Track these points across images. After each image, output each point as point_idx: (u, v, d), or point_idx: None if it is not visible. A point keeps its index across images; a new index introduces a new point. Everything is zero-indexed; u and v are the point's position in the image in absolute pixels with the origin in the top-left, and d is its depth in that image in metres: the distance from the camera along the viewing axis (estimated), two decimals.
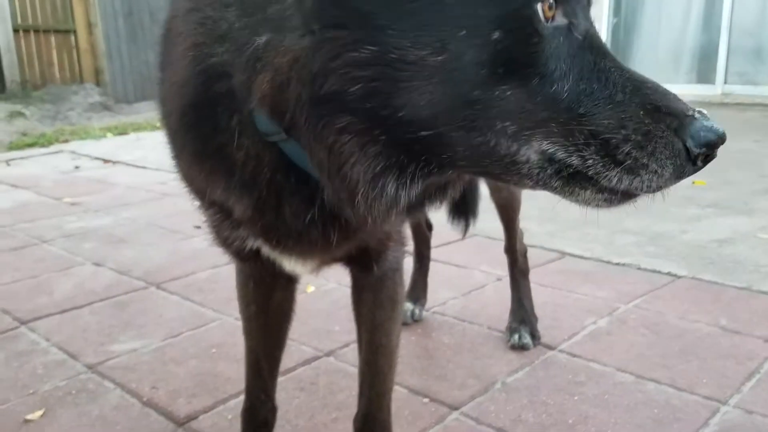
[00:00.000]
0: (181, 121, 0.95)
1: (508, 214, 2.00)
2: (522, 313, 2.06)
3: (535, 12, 0.75)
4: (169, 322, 2.33)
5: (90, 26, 9.60)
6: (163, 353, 2.11)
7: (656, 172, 0.77)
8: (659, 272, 2.63)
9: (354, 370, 1.95)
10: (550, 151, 0.78)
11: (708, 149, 0.78)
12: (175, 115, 0.95)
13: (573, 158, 0.77)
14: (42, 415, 1.77)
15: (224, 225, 1.10)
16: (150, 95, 10.51)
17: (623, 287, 2.48)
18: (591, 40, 0.81)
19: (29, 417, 1.76)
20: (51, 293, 2.59)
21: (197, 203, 1.15)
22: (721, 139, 0.79)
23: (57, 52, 9.46)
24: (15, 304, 2.48)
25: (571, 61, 0.78)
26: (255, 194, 0.93)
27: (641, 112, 0.77)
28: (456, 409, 1.73)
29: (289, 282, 1.35)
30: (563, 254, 2.87)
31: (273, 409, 1.44)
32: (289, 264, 1.12)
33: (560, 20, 0.78)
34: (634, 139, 0.77)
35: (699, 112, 0.80)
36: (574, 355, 1.98)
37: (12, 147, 6.25)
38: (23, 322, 2.34)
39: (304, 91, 0.78)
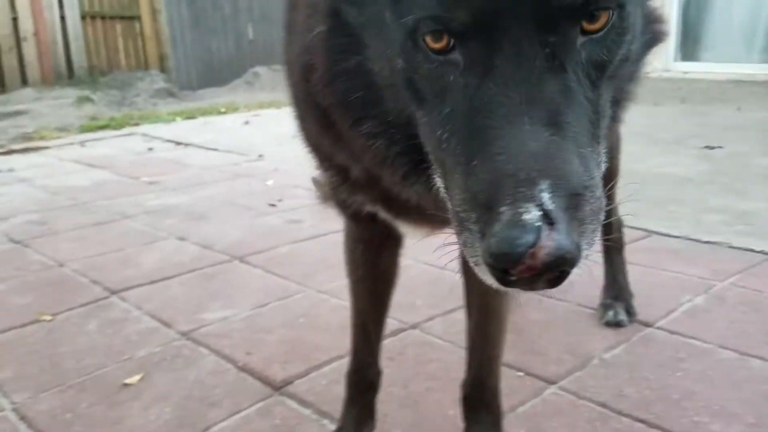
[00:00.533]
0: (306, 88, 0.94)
1: (607, 183, 1.92)
2: (616, 289, 2.01)
3: (419, 41, 0.68)
4: (255, 293, 2.36)
5: (154, 13, 9.81)
6: (253, 322, 2.14)
7: (476, 265, 0.63)
8: (752, 251, 2.52)
9: (441, 343, 1.94)
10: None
11: (495, 264, 0.57)
12: (301, 82, 0.96)
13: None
14: (140, 380, 1.82)
15: (343, 188, 1.11)
16: (212, 82, 10.71)
17: (716, 265, 2.39)
18: (490, 90, 0.64)
19: (128, 381, 1.81)
20: (138, 265, 2.66)
21: (317, 164, 1.16)
22: (510, 258, 0.56)
23: (122, 38, 9.70)
24: (104, 275, 2.56)
25: (451, 103, 0.67)
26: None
27: (465, 194, 0.62)
28: (553, 383, 1.70)
29: (396, 246, 1.34)
30: (649, 233, 2.78)
31: (378, 372, 1.44)
32: (404, 228, 1.12)
33: (455, 57, 0.67)
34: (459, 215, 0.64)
35: (518, 205, 0.56)
36: (673, 332, 1.92)
37: (84, 129, 6.45)
38: (113, 292, 2.41)
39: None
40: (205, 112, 7.38)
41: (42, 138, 5.99)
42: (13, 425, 1.62)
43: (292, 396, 1.71)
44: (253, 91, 10.20)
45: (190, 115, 7.14)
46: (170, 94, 9.76)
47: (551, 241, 0.55)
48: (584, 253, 0.60)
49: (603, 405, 1.59)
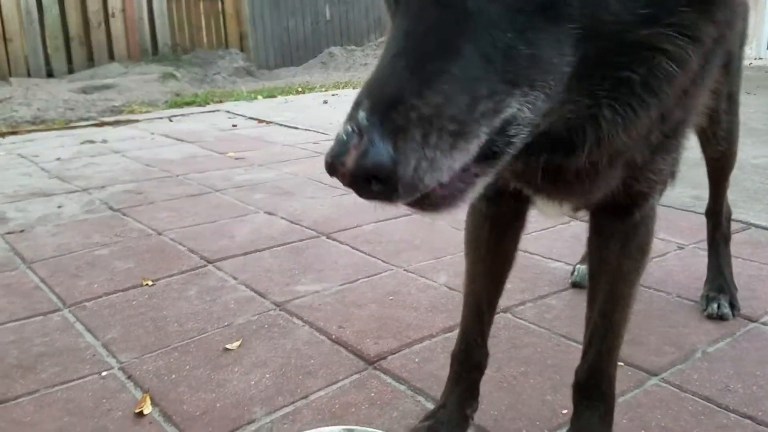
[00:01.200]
0: None
1: (722, 171, 1.86)
2: (721, 282, 1.94)
3: None
4: (344, 268, 2.40)
5: None
6: (344, 296, 2.18)
7: None
8: None
9: (534, 328, 1.93)
10: None
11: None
12: None
13: None
14: (239, 346, 1.88)
15: None
16: (289, 61, 10.87)
17: None
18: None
19: (228, 346, 1.88)
20: (232, 237, 2.75)
21: None
22: (327, 167, 0.59)
23: (204, 17, 9.93)
24: (200, 245, 2.65)
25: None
26: None
27: None
28: (655, 375, 1.66)
29: (520, 229, 1.33)
30: (748, 225, 2.67)
31: (486, 354, 1.44)
32: (545, 206, 1.11)
33: None
34: None
35: (352, 117, 0.59)
36: None
37: (170, 105, 6.67)
38: (210, 261, 2.49)
39: None
40: (283, 91, 7.49)
41: (131, 111, 6.23)
42: (121, 383, 1.71)
43: (386, 371, 1.73)
44: (327, 71, 10.28)
45: (269, 94, 7.28)
46: (248, 72, 9.97)
47: (354, 150, 0.57)
48: (401, 157, 0.57)
49: (707, 399, 1.55)
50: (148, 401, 1.62)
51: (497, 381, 1.65)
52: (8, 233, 2.84)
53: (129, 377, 1.74)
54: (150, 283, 2.31)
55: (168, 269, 2.42)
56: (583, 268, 2.15)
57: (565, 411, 1.51)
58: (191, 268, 2.44)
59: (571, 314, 1.97)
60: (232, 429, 1.52)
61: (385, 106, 0.59)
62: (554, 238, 2.61)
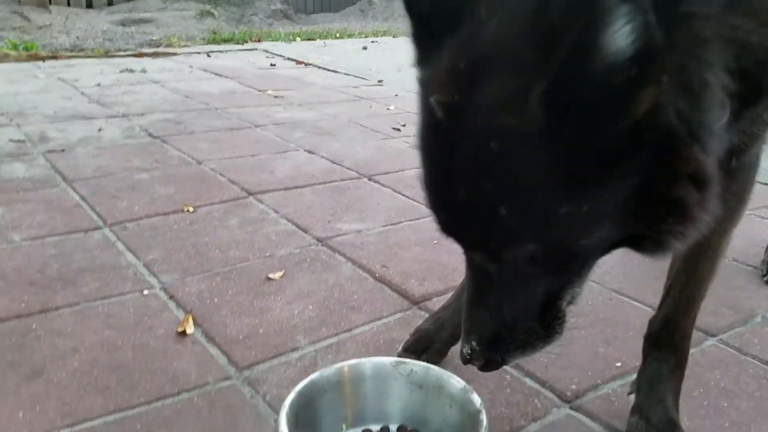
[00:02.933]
0: None
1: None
2: None
3: None
4: (387, 210, 2.35)
5: None
6: (387, 237, 2.13)
7: None
8: None
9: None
10: None
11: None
12: None
13: None
14: (282, 276, 1.85)
15: None
16: (326, 7, 10.67)
17: None
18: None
19: (271, 276, 1.85)
20: (272, 172, 2.70)
21: None
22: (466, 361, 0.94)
23: None
24: (240, 177, 2.61)
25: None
26: None
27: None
28: (713, 335, 1.60)
29: None
30: None
31: None
32: None
33: None
34: None
35: (468, 342, 0.92)
36: None
37: (209, 41, 6.58)
38: (251, 193, 2.45)
39: None
40: (322, 35, 7.37)
41: (169, 45, 6.16)
42: (162, 302, 1.69)
43: (430, 312, 1.69)
44: (365, 19, 10.10)
45: (308, 36, 7.16)
46: (285, 15, 9.83)
47: (477, 362, 0.93)
48: (508, 359, 0.95)
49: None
50: (191, 321, 1.59)
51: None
52: (49, 152, 2.82)
53: (171, 297, 1.71)
54: (191, 209, 2.28)
55: (209, 198, 2.39)
56: None
57: (618, 364, 1.46)
58: (232, 198, 2.41)
59: (623, 270, 1.90)
60: (275, 355, 1.49)
61: (480, 337, 0.90)
62: None
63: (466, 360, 0.91)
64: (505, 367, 1.45)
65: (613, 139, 0.63)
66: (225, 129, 3.31)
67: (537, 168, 0.66)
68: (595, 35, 0.56)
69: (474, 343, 0.89)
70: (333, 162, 2.86)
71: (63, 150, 2.85)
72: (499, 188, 0.69)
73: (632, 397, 1.27)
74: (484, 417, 1.09)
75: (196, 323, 1.60)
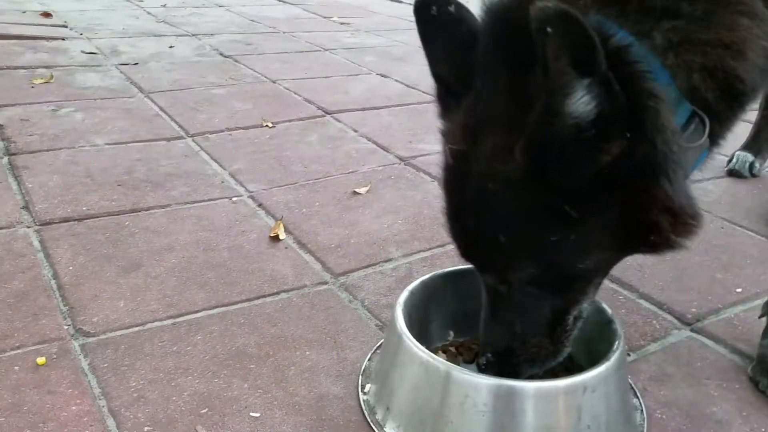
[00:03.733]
0: None
1: None
2: None
3: None
4: None
5: None
6: None
7: None
8: None
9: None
10: None
11: None
12: None
13: None
14: (368, 191, 1.79)
15: None
16: None
17: None
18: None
19: (357, 190, 1.79)
20: (347, 93, 2.62)
21: None
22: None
23: None
24: (316, 96, 2.54)
25: None
26: None
27: None
28: None
29: None
30: None
31: None
32: None
33: None
34: None
35: (484, 353, 0.97)
36: None
37: None
38: (328, 112, 2.39)
39: None
40: None
41: None
42: (252, 209, 1.65)
43: None
44: None
45: None
46: None
47: (491, 369, 0.96)
48: (520, 372, 0.95)
49: None
50: (282, 228, 1.55)
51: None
52: (122, 64, 2.79)
53: (260, 205, 1.67)
54: (270, 124, 2.22)
55: (286, 114, 2.33)
56: (742, 155, 1.95)
57: (739, 290, 1.37)
58: (309, 116, 2.34)
59: (731, 200, 1.79)
60: (369, 264, 1.44)
61: (494, 350, 0.96)
62: None
63: (482, 370, 0.97)
64: (615, 287, 1.38)
65: (585, 182, 0.74)
66: (295, 51, 3.23)
67: (524, 204, 0.80)
68: (559, 104, 0.68)
69: (489, 355, 0.96)
70: (408, 86, 2.76)
71: (136, 63, 2.82)
72: (497, 220, 0.82)
73: (763, 320, 1.18)
74: (618, 327, 1.02)
75: (287, 230, 1.55)
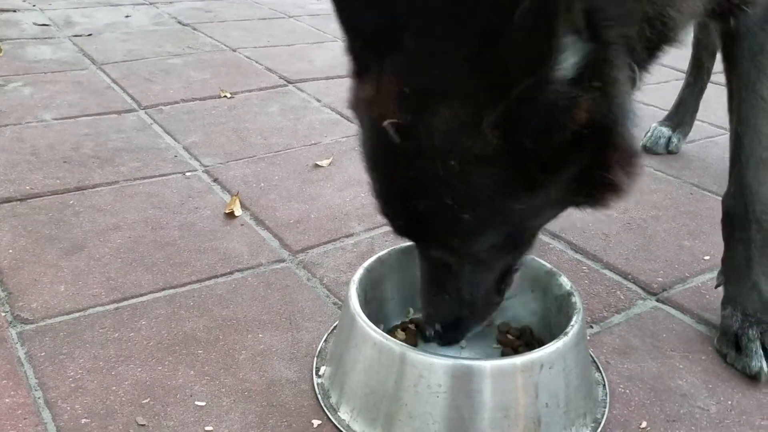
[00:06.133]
0: None
1: None
2: None
3: None
4: None
5: None
6: None
7: None
8: None
9: (661, 175, 1.71)
10: None
11: None
12: None
13: None
14: (330, 164, 1.73)
15: None
16: None
17: None
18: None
19: (319, 163, 1.72)
20: (310, 61, 2.53)
21: None
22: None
23: None
24: (278, 65, 2.45)
25: None
26: None
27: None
28: None
29: None
30: None
31: None
32: None
33: None
34: None
35: (430, 325, 0.96)
36: None
37: None
38: (290, 82, 2.30)
39: None
40: None
41: None
42: (207, 184, 1.58)
43: None
44: None
45: None
46: None
47: (439, 339, 0.97)
48: (468, 331, 0.97)
49: None
50: (238, 204, 1.48)
51: (624, 222, 1.47)
52: (75, 36, 2.67)
53: (215, 180, 1.60)
54: (229, 95, 2.14)
55: (246, 84, 2.24)
56: (658, 129, 1.82)
57: (707, 257, 1.34)
58: (271, 86, 2.26)
59: (701, 165, 1.75)
60: (329, 240, 1.39)
61: (441, 321, 0.94)
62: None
63: (428, 340, 0.96)
64: (579, 257, 1.34)
65: (558, 149, 0.70)
66: (257, 18, 3.12)
67: (493, 180, 0.73)
68: (547, 73, 0.64)
69: (437, 327, 0.93)
70: None
71: (90, 34, 2.69)
72: (461, 199, 0.75)
73: (721, 289, 1.15)
74: (578, 299, 0.98)
75: (243, 206, 1.49)
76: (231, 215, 1.45)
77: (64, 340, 1.05)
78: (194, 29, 2.86)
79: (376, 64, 0.75)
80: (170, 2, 3.31)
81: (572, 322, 0.93)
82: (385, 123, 0.73)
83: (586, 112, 0.68)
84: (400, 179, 0.77)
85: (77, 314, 1.12)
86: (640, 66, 0.78)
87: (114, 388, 0.96)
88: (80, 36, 2.66)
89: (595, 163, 0.74)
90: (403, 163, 0.75)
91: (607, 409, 0.96)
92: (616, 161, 0.74)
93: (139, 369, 1.00)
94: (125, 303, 1.15)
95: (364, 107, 0.79)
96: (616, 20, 0.71)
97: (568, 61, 0.64)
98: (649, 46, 0.78)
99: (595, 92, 0.68)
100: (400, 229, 0.86)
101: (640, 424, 0.94)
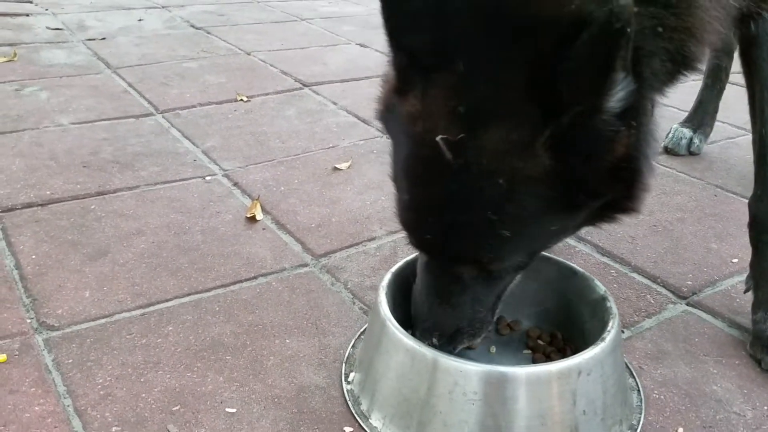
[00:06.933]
0: None
1: None
2: None
3: None
4: None
5: None
6: None
7: None
8: None
9: (685, 177, 1.69)
10: None
11: None
12: None
13: None
14: (349, 167, 1.72)
15: None
16: None
17: None
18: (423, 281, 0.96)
19: (338, 166, 1.72)
20: (325, 64, 2.53)
21: None
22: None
23: None
24: (293, 68, 2.44)
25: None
26: None
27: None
28: None
29: None
30: None
31: None
32: None
33: None
34: None
35: (426, 337, 0.93)
36: None
37: None
38: (306, 85, 2.29)
39: None
40: None
41: None
42: (226, 188, 1.57)
43: None
44: None
45: None
46: None
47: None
48: (461, 344, 0.94)
49: None
50: (259, 208, 1.48)
51: (650, 224, 1.45)
52: (89, 39, 2.67)
53: (235, 184, 1.60)
54: (245, 99, 2.13)
55: (262, 88, 2.24)
56: (679, 130, 1.81)
57: (735, 260, 1.32)
58: (287, 89, 2.25)
59: (724, 166, 1.74)
60: (351, 243, 1.38)
61: (441, 334, 0.92)
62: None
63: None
64: (606, 261, 1.33)
65: (598, 176, 0.73)
66: (270, 21, 3.11)
67: (540, 201, 0.75)
68: (600, 103, 0.68)
69: (434, 339, 0.92)
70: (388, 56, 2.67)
71: (104, 38, 2.70)
72: (505, 217, 0.76)
73: (751, 293, 1.13)
74: (612, 304, 0.96)
75: (264, 210, 1.48)
76: (252, 219, 1.44)
77: (91, 347, 1.05)
78: (208, 33, 2.86)
79: (422, 80, 0.75)
80: (182, 6, 3.31)
81: (608, 327, 0.91)
82: (438, 138, 0.74)
83: (624, 147, 0.72)
84: (442, 193, 0.77)
85: (103, 320, 1.11)
86: (659, 95, 0.82)
87: (144, 395, 0.96)
88: (94, 40, 2.67)
89: (624, 195, 0.78)
90: (448, 178, 0.75)
91: (642, 416, 0.95)
92: (641, 193, 0.78)
93: (168, 375, 0.99)
94: (151, 308, 1.14)
95: (407, 121, 0.78)
96: (649, 57, 0.74)
97: (618, 95, 0.68)
98: (668, 79, 0.81)
99: (632, 130, 0.72)
100: (424, 243, 0.86)
101: (677, 431, 0.93)
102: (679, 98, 1.97)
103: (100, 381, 0.98)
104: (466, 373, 0.86)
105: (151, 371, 1.00)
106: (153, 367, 1.01)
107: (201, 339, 1.07)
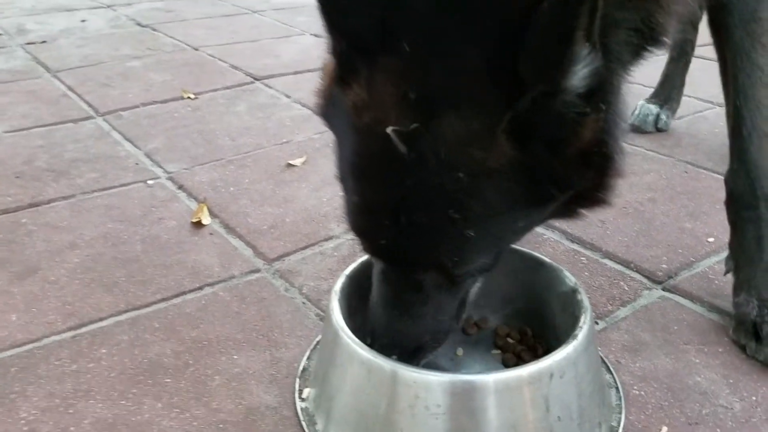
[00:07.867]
0: None
1: None
2: None
3: None
4: None
5: None
6: None
7: None
8: None
9: (653, 155, 1.62)
10: None
11: None
12: None
13: None
14: (304, 162, 1.62)
15: None
16: None
17: None
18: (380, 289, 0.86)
19: (292, 162, 1.62)
20: (277, 56, 2.42)
21: None
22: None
23: None
24: (243, 62, 2.34)
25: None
26: None
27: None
28: None
29: None
30: None
31: None
32: None
33: None
34: None
35: (377, 342, 0.84)
36: None
37: None
38: (257, 79, 2.19)
39: None
40: None
41: None
42: (170, 192, 1.47)
43: None
44: None
45: None
46: None
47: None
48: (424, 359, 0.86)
49: None
50: (206, 211, 1.38)
51: (620, 206, 1.38)
52: (28, 43, 2.53)
53: (180, 187, 1.49)
54: (192, 96, 2.02)
55: (211, 84, 2.13)
56: (645, 106, 1.74)
57: (711, 239, 1.26)
58: (237, 83, 2.14)
59: (693, 141, 1.67)
60: (307, 244, 1.28)
61: (401, 350, 0.83)
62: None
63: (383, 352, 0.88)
64: (576, 247, 1.26)
65: (565, 164, 0.67)
66: (220, 15, 3.00)
67: (505, 195, 0.69)
68: (561, 81, 0.61)
69: (394, 356, 0.82)
70: None
71: (44, 41, 2.56)
72: (468, 215, 0.69)
73: (731, 275, 1.06)
74: (583, 296, 0.89)
75: (212, 213, 1.38)
76: (198, 224, 1.34)
77: (15, 377, 0.94)
78: (154, 30, 2.73)
79: (366, 66, 0.67)
80: (129, 4, 3.18)
81: (580, 323, 0.83)
82: (389, 129, 0.65)
83: (592, 131, 0.66)
84: (396, 192, 0.69)
85: (30, 345, 1.00)
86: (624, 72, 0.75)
87: (72, 428, 0.85)
88: (33, 43, 2.53)
89: (594, 184, 0.72)
90: (402, 174, 0.67)
91: (623, 415, 0.87)
92: (612, 181, 0.72)
93: (100, 405, 0.89)
94: (84, 330, 1.04)
95: (352, 112, 0.69)
96: (615, 28, 0.68)
97: (582, 72, 0.61)
98: (633, 56, 0.74)
99: (600, 113, 0.66)
100: (379, 249, 0.77)
101: (660, 430, 0.86)
102: (644, 74, 1.92)
103: (24, 415, 0.87)
104: (427, 384, 0.78)
105: (81, 401, 0.90)
106: (83, 396, 0.91)
107: (137, 361, 0.97)
